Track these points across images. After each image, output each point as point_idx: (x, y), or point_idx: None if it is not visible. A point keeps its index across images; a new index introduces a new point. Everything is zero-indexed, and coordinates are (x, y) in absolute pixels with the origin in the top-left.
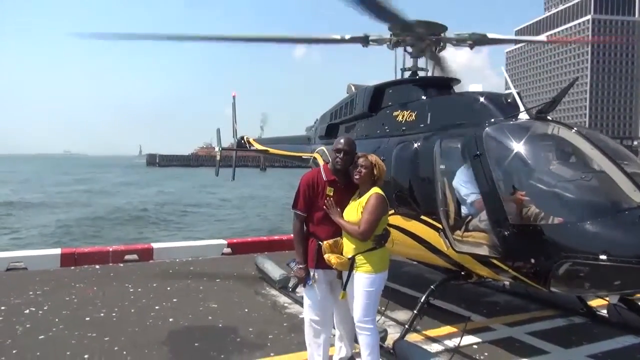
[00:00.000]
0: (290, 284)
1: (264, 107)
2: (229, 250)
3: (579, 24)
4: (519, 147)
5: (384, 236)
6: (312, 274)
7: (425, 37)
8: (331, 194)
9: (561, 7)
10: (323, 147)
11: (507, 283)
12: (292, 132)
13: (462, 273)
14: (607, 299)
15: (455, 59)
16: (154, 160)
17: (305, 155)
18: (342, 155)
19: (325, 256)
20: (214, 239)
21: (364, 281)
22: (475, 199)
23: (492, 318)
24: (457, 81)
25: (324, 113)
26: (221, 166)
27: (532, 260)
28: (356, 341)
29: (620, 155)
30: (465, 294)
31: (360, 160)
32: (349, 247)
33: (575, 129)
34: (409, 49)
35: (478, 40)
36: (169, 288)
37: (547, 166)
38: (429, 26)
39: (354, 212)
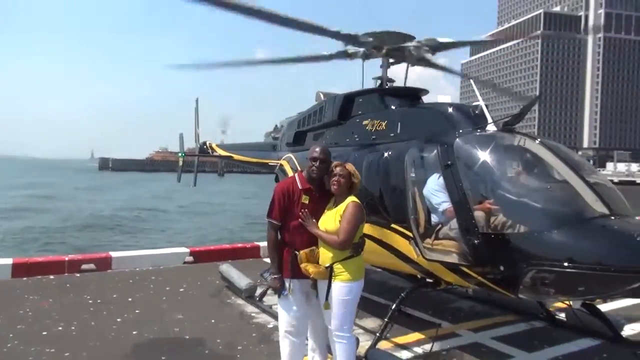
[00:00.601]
0: (257, 293)
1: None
2: (191, 258)
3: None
4: (488, 157)
5: (360, 244)
6: (287, 284)
7: (386, 47)
8: (307, 202)
9: (513, 22)
10: (290, 155)
11: (470, 290)
12: (257, 136)
13: (431, 281)
14: (568, 303)
15: (414, 69)
16: (106, 165)
17: (271, 162)
18: (318, 163)
19: (302, 266)
20: (175, 247)
21: (341, 290)
22: (445, 207)
23: (457, 324)
24: (426, 92)
25: (291, 120)
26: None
27: (501, 268)
28: (329, 351)
29: (582, 167)
30: (429, 300)
31: (337, 169)
32: (325, 255)
33: (540, 140)
34: (377, 58)
35: (442, 46)
36: (130, 299)
37: (514, 177)
38: (392, 36)
39: (331, 221)
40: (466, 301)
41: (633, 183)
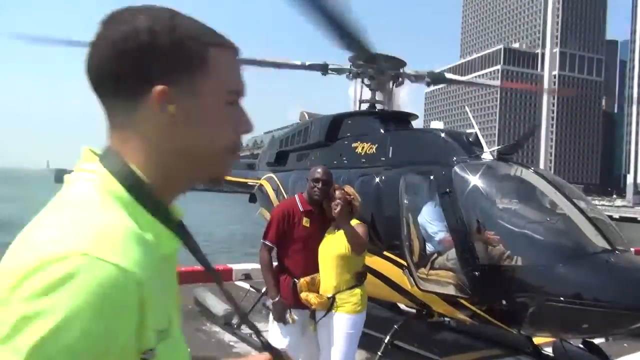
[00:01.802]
0: (234, 320)
1: None
2: None
3: (491, 72)
4: (488, 186)
5: (364, 273)
6: (287, 314)
7: (385, 70)
8: (307, 224)
9: (475, 56)
10: (272, 174)
11: (452, 321)
12: None
13: (423, 312)
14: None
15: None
16: (63, 176)
17: (250, 182)
18: (320, 185)
19: (302, 295)
20: None
21: (345, 322)
22: (443, 237)
23: (444, 358)
24: (415, 116)
25: (272, 139)
26: None
27: (503, 302)
28: None
29: (580, 199)
30: (411, 331)
31: (338, 193)
32: (328, 284)
33: (537, 171)
34: (367, 80)
35: (435, 79)
36: None
37: (516, 207)
38: (390, 60)
39: (336, 244)
40: (450, 333)
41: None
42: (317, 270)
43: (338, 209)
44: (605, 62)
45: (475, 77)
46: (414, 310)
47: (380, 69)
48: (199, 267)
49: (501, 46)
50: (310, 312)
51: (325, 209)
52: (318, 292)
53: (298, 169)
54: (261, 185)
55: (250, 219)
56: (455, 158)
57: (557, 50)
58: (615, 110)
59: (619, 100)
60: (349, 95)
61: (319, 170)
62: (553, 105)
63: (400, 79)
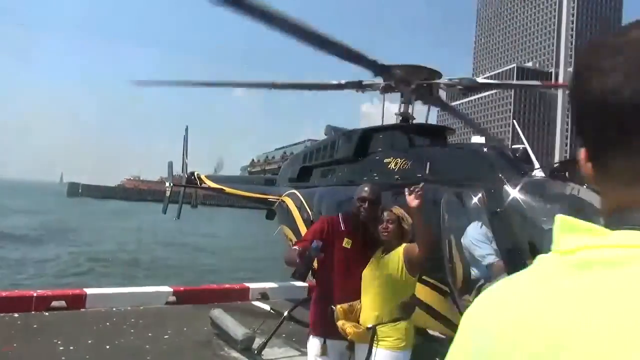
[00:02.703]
0: (255, 345)
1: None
2: (174, 298)
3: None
4: (546, 207)
5: (412, 305)
6: (318, 344)
7: (415, 82)
8: (348, 246)
9: (489, 74)
10: (295, 191)
11: None
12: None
13: None
14: None
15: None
16: (76, 190)
17: (271, 198)
18: (367, 205)
19: (339, 323)
20: (156, 286)
21: (385, 359)
22: (491, 261)
23: None
24: (453, 131)
25: (295, 154)
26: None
27: None
28: None
29: None
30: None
31: (386, 214)
32: (369, 314)
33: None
34: (399, 94)
35: (468, 86)
36: (108, 346)
37: None
38: (421, 71)
39: (383, 269)
40: None
41: None
42: (357, 297)
43: (386, 232)
44: None
45: (489, 94)
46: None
47: (409, 81)
48: (214, 285)
49: (514, 65)
50: (349, 343)
51: (372, 231)
52: (357, 322)
53: (323, 185)
54: (282, 201)
55: (265, 237)
56: (502, 175)
57: (571, 69)
58: None
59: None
60: (362, 110)
61: (366, 188)
62: (567, 117)
63: (433, 90)
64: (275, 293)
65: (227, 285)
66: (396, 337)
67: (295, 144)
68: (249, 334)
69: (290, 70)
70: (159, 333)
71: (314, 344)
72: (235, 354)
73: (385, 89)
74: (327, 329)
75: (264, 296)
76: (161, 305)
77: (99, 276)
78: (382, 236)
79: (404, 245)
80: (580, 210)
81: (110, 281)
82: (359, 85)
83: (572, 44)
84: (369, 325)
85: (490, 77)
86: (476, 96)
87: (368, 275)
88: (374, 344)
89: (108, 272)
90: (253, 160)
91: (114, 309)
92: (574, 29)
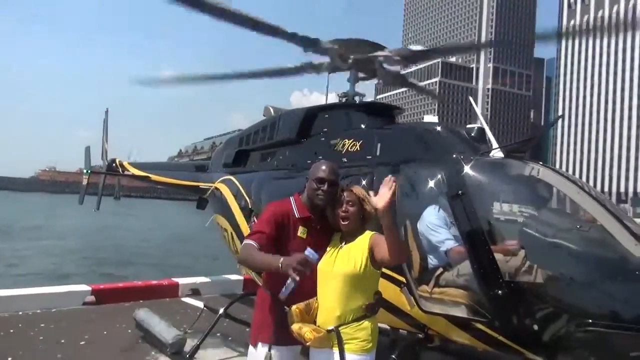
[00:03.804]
0: (188, 348)
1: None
2: (92, 298)
3: (430, 83)
4: (508, 188)
5: (377, 301)
6: (265, 353)
7: (354, 56)
8: (304, 236)
9: (414, 68)
10: (231, 177)
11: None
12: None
13: (421, 336)
14: None
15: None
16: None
17: (203, 185)
18: (326, 186)
19: (294, 327)
20: (71, 284)
21: None
22: (450, 246)
23: None
24: (401, 110)
25: (230, 138)
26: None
27: (535, 327)
28: None
29: (610, 203)
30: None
31: (345, 195)
32: (328, 314)
33: (560, 171)
34: (343, 71)
35: (406, 56)
36: (10, 359)
37: (544, 213)
38: (361, 45)
39: (343, 262)
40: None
41: None
42: (314, 295)
43: (345, 216)
44: (533, 78)
45: (413, 83)
46: (403, 332)
47: (348, 56)
48: (139, 282)
49: (439, 60)
50: (303, 348)
51: (329, 216)
52: (314, 324)
53: (263, 170)
54: (216, 189)
55: (196, 227)
56: (459, 155)
57: (490, 65)
58: (542, 123)
59: (545, 114)
60: (291, 101)
61: (324, 167)
62: (487, 111)
63: (376, 65)
64: (208, 288)
65: (153, 282)
66: (362, 338)
67: (225, 134)
68: (179, 336)
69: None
70: (74, 339)
71: (258, 354)
72: (164, 358)
73: (331, 68)
74: (276, 334)
75: (195, 292)
76: (77, 306)
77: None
78: (342, 225)
79: (370, 234)
80: (544, 190)
81: (17, 282)
82: (311, 66)
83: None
84: (330, 328)
85: (417, 72)
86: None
87: (325, 268)
88: (337, 349)
89: (14, 273)
90: (181, 150)
91: (20, 312)
92: (494, 27)
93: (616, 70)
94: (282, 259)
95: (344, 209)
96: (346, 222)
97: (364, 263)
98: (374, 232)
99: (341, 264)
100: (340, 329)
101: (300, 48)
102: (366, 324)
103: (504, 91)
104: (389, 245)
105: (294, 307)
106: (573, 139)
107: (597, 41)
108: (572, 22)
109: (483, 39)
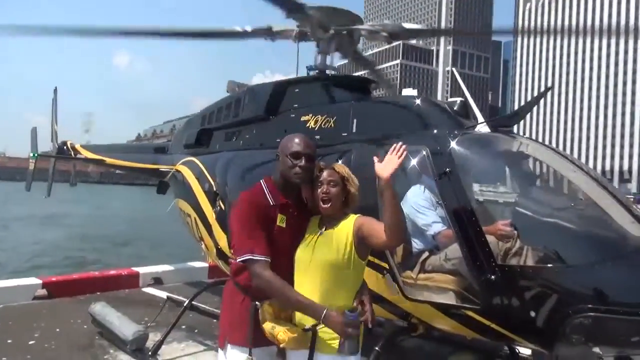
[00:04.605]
0: (150, 344)
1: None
2: (44, 292)
3: (391, 65)
4: (503, 165)
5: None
6: (243, 358)
7: (333, 27)
8: (283, 224)
9: (376, 50)
10: (193, 158)
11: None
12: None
13: (404, 325)
14: None
15: None
16: None
17: (163, 168)
18: (303, 162)
19: (266, 327)
20: (20, 278)
21: None
22: (438, 230)
23: None
24: (377, 84)
25: (190, 118)
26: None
27: (531, 314)
28: None
29: (603, 180)
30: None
31: (325, 174)
32: None
33: (548, 146)
34: (315, 42)
35: (393, 33)
36: None
37: (538, 191)
38: (340, 15)
39: (323, 249)
40: (419, 342)
41: None
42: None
43: (327, 198)
44: (491, 60)
45: (376, 69)
46: (382, 319)
47: (325, 26)
48: (95, 272)
49: (400, 42)
50: (278, 351)
51: (307, 198)
52: (290, 322)
53: (228, 150)
54: (177, 171)
55: (156, 213)
56: (442, 131)
57: (450, 48)
58: (500, 105)
59: (502, 96)
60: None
61: (297, 140)
62: (447, 92)
63: (354, 39)
64: (171, 277)
65: (112, 272)
66: None
67: (185, 117)
68: (140, 332)
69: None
70: (24, 337)
71: (235, 357)
72: (124, 356)
73: (300, 36)
74: (253, 335)
75: (157, 281)
76: (27, 301)
77: None
78: (323, 208)
79: (354, 217)
80: (537, 167)
81: None
82: (268, 32)
83: (451, 23)
84: (307, 327)
85: (378, 54)
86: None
87: (303, 258)
88: (315, 350)
89: None
90: (139, 134)
91: None
92: (453, 9)
93: (569, 51)
94: (324, 311)
95: (324, 190)
96: (327, 205)
97: (349, 251)
98: (357, 215)
99: (321, 252)
100: (318, 328)
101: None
102: None
103: (463, 73)
104: (391, 222)
105: (266, 303)
106: (529, 120)
107: (552, 23)
108: (527, 6)
109: (443, 20)
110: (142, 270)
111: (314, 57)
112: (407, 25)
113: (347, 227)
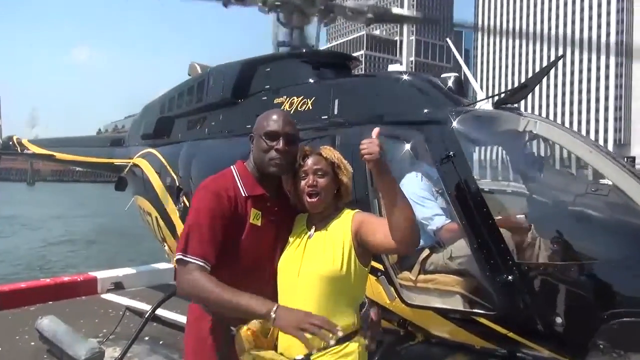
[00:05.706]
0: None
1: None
2: None
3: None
4: (512, 147)
5: (364, 317)
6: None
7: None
8: (258, 222)
9: (341, 41)
10: (152, 150)
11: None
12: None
13: (402, 333)
14: None
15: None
16: None
17: (119, 162)
18: (282, 143)
19: (245, 359)
20: None
21: None
22: (442, 223)
23: None
24: (357, 61)
25: (147, 105)
26: None
27: (557, 320)
28: None
29: (620, 160)
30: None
31: (311, 162)
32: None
33: (564, 127)
34: (286, 15)
35: (379, 15)
36: None
37: (555, 177)
38: None
39: (314, 257)
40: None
41: None
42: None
43: (313, 192)
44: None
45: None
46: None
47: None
48: (47, 279)
49: (364, 32)
50: None
51: (290, 192)
52: (275, 351)
53: (192, 139)
54: (135, 165)
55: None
56: (437, 110)
57: (413, 38)
58: None
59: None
60: None
61: (275, 116)
62: None
63: (331, 14)
64: (133, 281)
65: (65, 279)
66: None
67: None
68: (94, 350)
69: None
70: None
71: None
72: None
73: (271, 7)
74: None
75: (118, 286)
76: None
77: None
78: (308, 199)
79: (351, 213)
80: (545, 150)
81: None
82: None
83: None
84: (299, 357)
85: (343, 45)
86: None
87: (288, 269)
88: None
89: None
90: (100, 130)
91: None
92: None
93: (529, 40)
94: (275, 307)
95: (311, 181)
96: (314, 200)
97: (347, 257)
98: (355, 210)
99: (313, 261)
100: (312, 358)
101: None
102: (352, 347)
103: (426, 63)
104: (401, 218)
105: (244, 327)
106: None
107: (511, 14)
108: None
109: (405, 11)
110: (100, 274)
111: (286, 32)
112: (397, 11)
113: (343, 226)
